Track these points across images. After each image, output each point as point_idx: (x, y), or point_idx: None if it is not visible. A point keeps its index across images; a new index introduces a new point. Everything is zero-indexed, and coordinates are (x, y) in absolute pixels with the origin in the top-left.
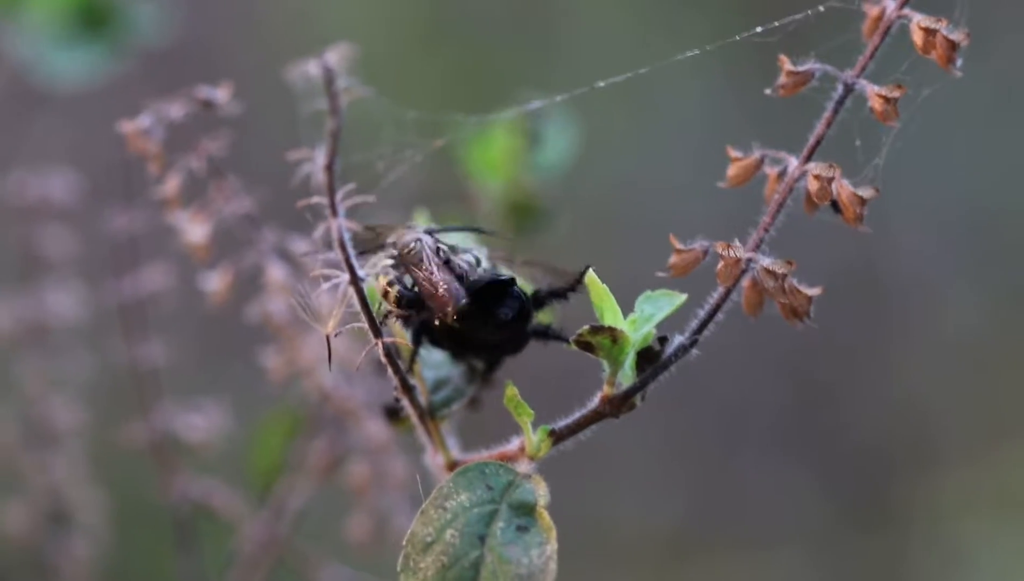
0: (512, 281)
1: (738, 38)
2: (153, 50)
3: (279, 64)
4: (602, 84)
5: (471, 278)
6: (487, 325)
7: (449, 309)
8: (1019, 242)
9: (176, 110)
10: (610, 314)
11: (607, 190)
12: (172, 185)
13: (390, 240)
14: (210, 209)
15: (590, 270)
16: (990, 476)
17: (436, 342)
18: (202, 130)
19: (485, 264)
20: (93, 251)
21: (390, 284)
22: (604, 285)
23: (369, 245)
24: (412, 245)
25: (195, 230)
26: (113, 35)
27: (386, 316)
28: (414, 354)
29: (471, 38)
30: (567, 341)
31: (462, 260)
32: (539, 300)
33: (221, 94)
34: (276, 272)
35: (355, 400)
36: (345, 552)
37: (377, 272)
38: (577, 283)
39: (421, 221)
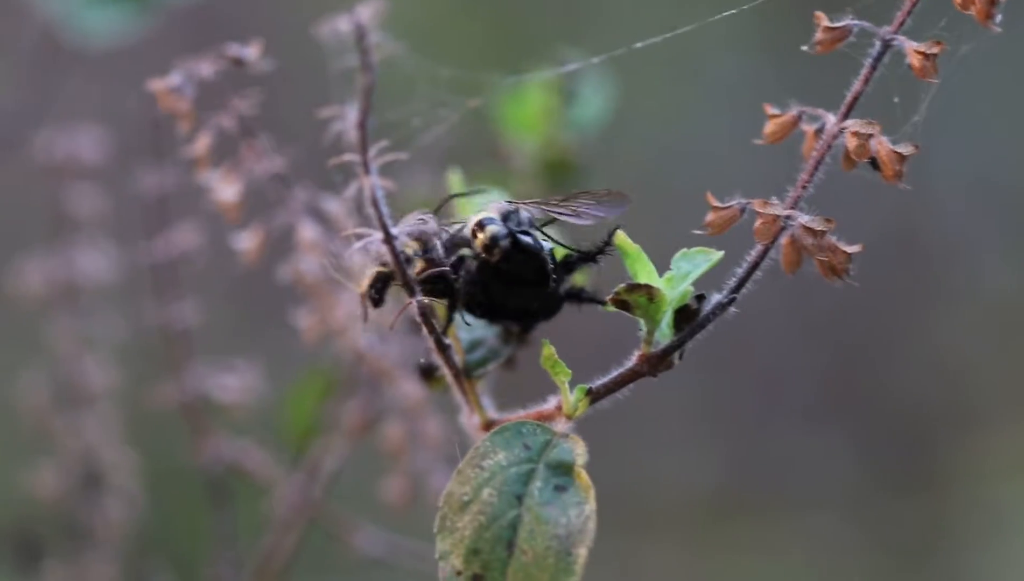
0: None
1: None
2: (184, 8)
3: (311, 21)
4: (639, 45)
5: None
6: (522, 271)
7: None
8: None
9: (206, 68)
10: (644, 273)
11: (644, 153)
12: (203, 144)
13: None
14: (241, 168)
15: (619, 231)
16: None
17: (469, 307)
18: (233, 88)
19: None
20: (123, 210)
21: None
22: (636, 245)
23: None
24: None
25: (226, 189)
26: None
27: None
28: (450, 317)
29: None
30: (603, 303)
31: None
32: (569, 264)
33: (251, 52)
34: (308, 231)
35: (389, 360)
36: (380, 514)
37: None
38: (607, 245)
39: (455, 184)
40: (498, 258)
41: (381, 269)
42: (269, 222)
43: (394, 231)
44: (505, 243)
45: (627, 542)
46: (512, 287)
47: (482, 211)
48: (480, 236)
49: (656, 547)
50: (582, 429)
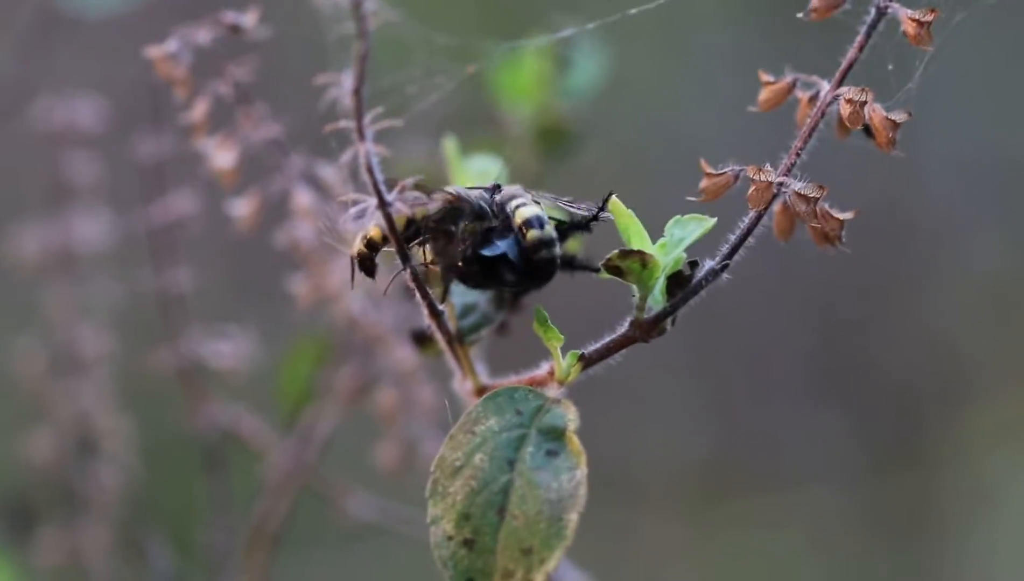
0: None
1: None
2: None
3: None
4: (634, 11)
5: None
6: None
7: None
8: None
9: (203, 35)
10: (637, 238)
11: (636, 121)
12: (199, 111)
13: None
14: (237, 135)
15: (613, 197)
16: (1020, 413)
17: (463, 278)
18: (229, 55)
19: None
20: (121, 178)
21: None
22: (629, 210)
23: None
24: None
25: (222, 156)
26: None
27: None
28: (446, 287)
29: None
30: (596, 270)
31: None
32: (562, 232)
33: (248, 19)
34: (303, 198)
35: (383, 326)
36: (373, 479)
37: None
38: (600, 211)
39: (450, 152)
40: (537, 258)
41: (372, 232)
42: (265, 188)
43: (388, 198)
44: (552, 251)
45: (620, 516)
46: (523, 274)
47: (528, 205)
48: (529, 234)
49: (649, 521)
50: (575, 403)
